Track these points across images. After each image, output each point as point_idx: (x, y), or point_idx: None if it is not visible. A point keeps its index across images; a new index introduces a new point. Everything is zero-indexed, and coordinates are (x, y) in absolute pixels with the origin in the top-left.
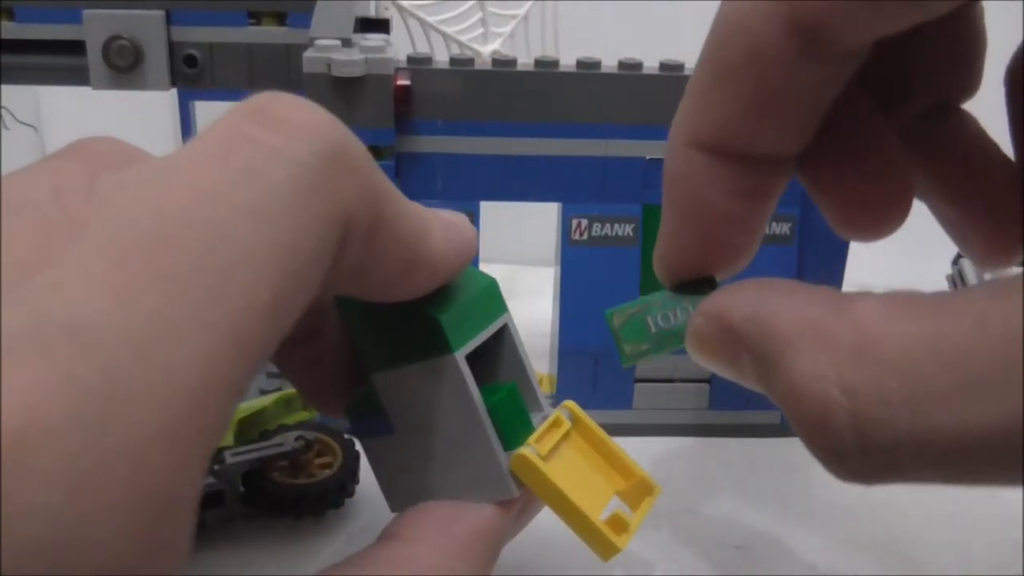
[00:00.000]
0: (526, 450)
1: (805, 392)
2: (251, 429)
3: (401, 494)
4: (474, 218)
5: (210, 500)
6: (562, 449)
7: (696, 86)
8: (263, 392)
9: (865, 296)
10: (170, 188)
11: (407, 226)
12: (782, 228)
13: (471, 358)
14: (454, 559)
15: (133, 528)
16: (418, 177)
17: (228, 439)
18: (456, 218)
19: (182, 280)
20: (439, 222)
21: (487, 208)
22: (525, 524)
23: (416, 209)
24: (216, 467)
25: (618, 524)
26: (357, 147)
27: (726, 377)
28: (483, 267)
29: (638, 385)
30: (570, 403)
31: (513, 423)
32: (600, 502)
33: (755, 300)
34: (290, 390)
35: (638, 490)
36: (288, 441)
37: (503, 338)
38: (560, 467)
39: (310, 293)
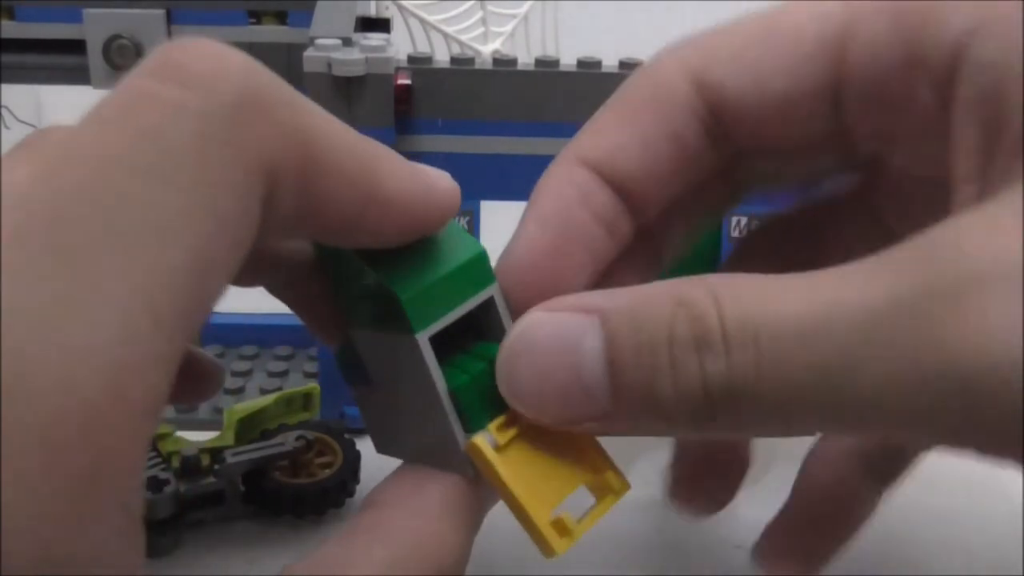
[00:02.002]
0: (479, 438)
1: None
2: (252, 428)
3: (382, 440)
4: (474, 217)
5: (211, 499)
6: (529, 434)
7: (598, 114)
8: (263, 391)
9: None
10: (70, 160)
11: (348, 161)
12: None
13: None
14: (433, 521)
15: (55, 509)
16: None
17: (229, 438)
18: (427, 168)
19: (83, 255)
20: (396, 161)
21: (487, 207)
22: None
23: (361, 145)
24: (217, 466)
25: (562, 527)
26: (274, 88)
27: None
28: None
29: None
30: None
31: (476, 407)
32: (554, 498)
33: None
34: (291, 389)
35: (604, 486)
36: (289, 441)
37: (489, 308)
38: (517, 456)
39: (240, 248)
